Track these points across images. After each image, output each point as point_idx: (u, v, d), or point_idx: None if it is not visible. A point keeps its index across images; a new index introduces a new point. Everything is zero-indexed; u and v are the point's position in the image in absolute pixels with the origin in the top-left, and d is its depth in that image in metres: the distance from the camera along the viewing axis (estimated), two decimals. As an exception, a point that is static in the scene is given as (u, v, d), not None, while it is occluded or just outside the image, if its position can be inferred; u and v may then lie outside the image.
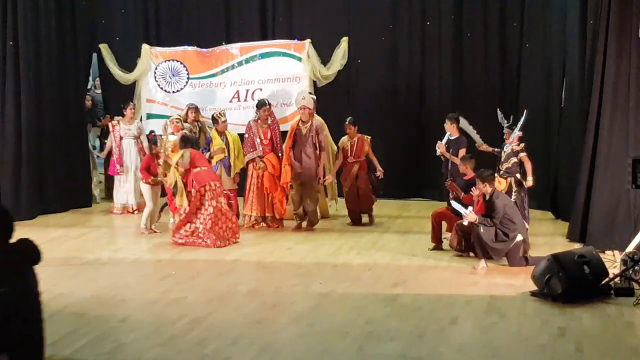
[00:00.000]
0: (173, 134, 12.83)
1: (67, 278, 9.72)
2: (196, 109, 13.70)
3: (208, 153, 12.64)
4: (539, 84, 13.92)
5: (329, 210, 13.66)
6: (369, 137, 12.95)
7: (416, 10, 15.29)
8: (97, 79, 16.74)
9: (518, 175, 11.24)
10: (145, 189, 12.48)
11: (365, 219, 13.11)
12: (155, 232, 12.40)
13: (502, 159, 11.38)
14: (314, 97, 12.99)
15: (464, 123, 12.07)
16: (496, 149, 11.65)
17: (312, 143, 12.45)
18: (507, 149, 11.36)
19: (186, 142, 11.77)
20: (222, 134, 12.80)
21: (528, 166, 11.22)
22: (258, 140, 12.68)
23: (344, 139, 12.99)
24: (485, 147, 11.91)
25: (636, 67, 10.50)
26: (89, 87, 16.77)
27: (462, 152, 11.77)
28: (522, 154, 11.23)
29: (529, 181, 11.21)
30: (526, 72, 14.24)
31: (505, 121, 11.50)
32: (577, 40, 11.95)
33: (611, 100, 10.71)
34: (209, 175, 11.55)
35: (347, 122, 12.93)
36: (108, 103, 16.26)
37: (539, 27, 13.86)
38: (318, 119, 12.70)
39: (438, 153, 11.97)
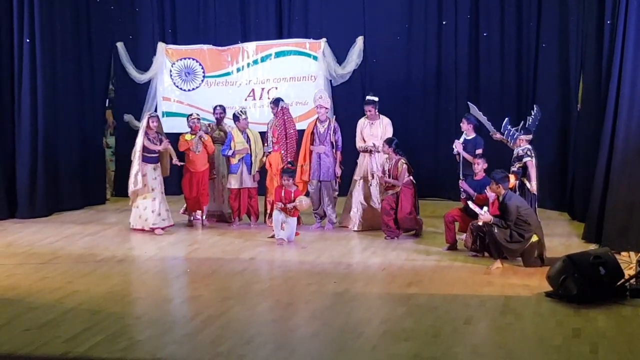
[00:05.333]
0: (191, 133, 12.78)
1: (83, 275, 9.75)
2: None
3: (231, 150, 12.60)
4: (555, 84, 13.86)
5: None
6: (406, 164, 11.87)
7: (432, 9, 15.23)
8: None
9: (523, 179, 11.10)
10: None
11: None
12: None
13: (511, 161, 11.32)
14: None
15: (474, 110, 12.00)
16: (506, 138, 11.53)
17: (330, 142, 12.43)
18: (515, 152, 11.31)
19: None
20: (243, 131, 12.75)
21: (532, 172, 11.06)
22: (270, 137, 12.71)
23: (384, 161, 12.20)
24: (498, 136, 11.83)
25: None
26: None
27: (478, 152, 11.73)
28: (527, 159, 11.04)
29: (532, 187, 11.08)
30: (543, 72, 14.18)
31: (513, 129, 11.37)
32: (594, 40, 11.89)
33: (628, 100, 10.68)
34: None
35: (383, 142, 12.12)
36: (119, 101, 16.31)
37: (556, 27, 13.80)
38: (385, 119, 12.52)
39: (455, 152, 11.94)
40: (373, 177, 12.38)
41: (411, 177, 11.89)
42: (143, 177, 12.20)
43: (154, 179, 12.32)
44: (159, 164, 12.43)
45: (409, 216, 11.74)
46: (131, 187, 12.25)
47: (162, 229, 12.25)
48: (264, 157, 12.72)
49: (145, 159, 12.22)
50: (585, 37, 12.55)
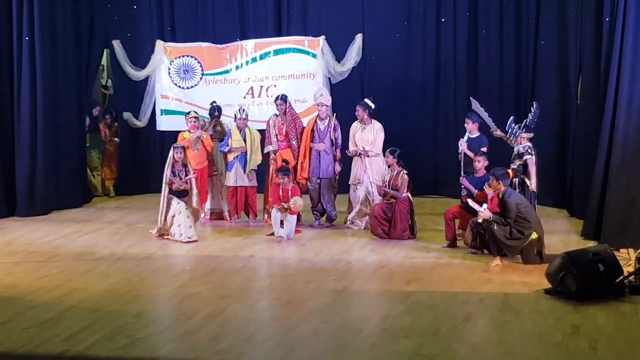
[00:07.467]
0: (189, 131, 12.78)
1: (82, 273, 9.76)
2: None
3: (227, 147, 12.62)
4: (554, 82, 13.87)
5: None
6: (407, 176, 11.75)
7: (431, 7, 15.24)
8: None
9: (523, 177, 11.11)
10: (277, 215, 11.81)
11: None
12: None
13: (511, 158, 11.33)
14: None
15: (476, 106, 11.98)
16: (509, 136, 11.53)
17: (330, 139, 12.43)
18: (515, 149, 11.31)
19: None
20: (241, 129, 12.73)
21: (532, 170, 11.08)
22: (274, 134, 12.71)
23: (386, 171, 12.11)
24: (499, 133, 11.82)
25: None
26: (104, 84, 16.82)
27: (482, 150, 11.69)
28: (528, 157, 11.07)
29: (531, 185, 11.09)
30: (541, 69, 14.18)
31: (516, 127, 11.38)
32: (593, 37, 11.90)
33: (627, 97, 10.68)
34: None
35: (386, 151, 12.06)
36: (116, 99, 16.33)
37: (555, 24, 13.80)
38: (377, 124, 12.45)
39: (460, 150, 11.90)
40: (360, 182, 12.36)
41: (409, 194, 11.80)
42: (167, 204, 11.80)
43: (177, 203, 11.76)
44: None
45: (401, 233, 11.65)
46: (157, 226, 11.94)
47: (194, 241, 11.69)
48: (274, 154, 12.69)
49: (171, 192, 11.80)
50: (583, 35, 12.55)
